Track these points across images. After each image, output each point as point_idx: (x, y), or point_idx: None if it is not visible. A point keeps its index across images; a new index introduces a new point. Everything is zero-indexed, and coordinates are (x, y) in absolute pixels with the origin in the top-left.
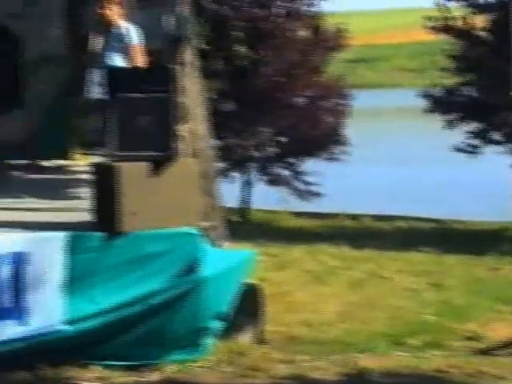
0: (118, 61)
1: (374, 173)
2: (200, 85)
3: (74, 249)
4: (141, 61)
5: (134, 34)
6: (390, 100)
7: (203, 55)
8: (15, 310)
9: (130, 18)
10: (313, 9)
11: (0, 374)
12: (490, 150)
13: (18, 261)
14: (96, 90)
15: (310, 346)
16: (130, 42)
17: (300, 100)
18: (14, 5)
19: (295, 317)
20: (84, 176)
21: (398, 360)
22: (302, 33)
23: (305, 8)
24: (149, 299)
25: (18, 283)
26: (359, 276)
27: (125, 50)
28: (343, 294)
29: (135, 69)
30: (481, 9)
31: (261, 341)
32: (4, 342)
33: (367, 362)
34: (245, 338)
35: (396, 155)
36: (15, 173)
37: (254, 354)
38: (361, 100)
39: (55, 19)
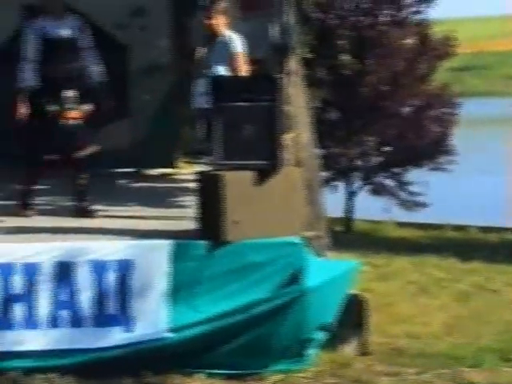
0: (222, 70)
1: (480, 183)
2: (304, 93)
3: (178, 257)
4: (245, 70)
5: (238, 43)
6: (499, 108)
7: (307, 64)
8: (121, 317)
9: (234, 27)
10: (419, 16)
11: (105, 379)
12: None
13: (124, 268)
14: (201, 99)
15: (416, 359)
16: (234, 51)
17: (406, 109)
18: (120, 15)
19: (400, 328)
20: (188, 184)
21: (507, 376)
22: (409, 41)
23: (411, 16)
24: (252, 309)
25: (124, 290)
26: (466, 288)
27: (229, 59)
28: (449, 306)
29: (239, 78)
30: None
31: (365, 352)
32: (110, 348)
33: (475, 376)
34: (348, 349)
35: (504, 165)
36: (121, 181)
37: (358, 366)
38: (468, 108)
39: (161, 29)
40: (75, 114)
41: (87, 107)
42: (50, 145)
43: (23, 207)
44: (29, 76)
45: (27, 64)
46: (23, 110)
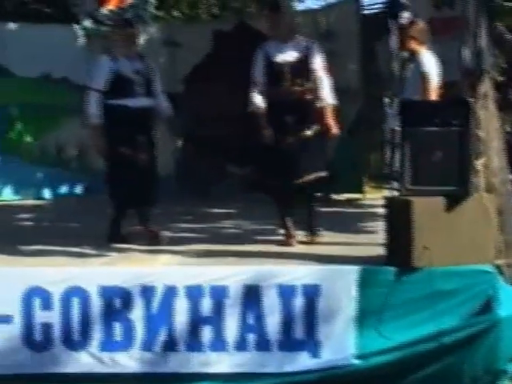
0: (413, 91)
1: None
2: (496, 117)
3: (365, 283)
4: (435, 92)
5: (431, 65)
6: None
7: (497, 87)
8: (308, 342)
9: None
10: None
11: None
12: None
13: (311, 293)
14: (389, 123)
15: None
16: (426, 72)
17: None
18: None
19: None
20: (376, 210)
21: None
22: None
23: None
24: (442, 337)
25: (311, 315)
26: None
27: (421, 83)
28: None
29: (430, 102)
30: None
31: None
32: (297, 373)
33: None
34: None
35: None
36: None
37: None
38: None
39: (350, 54)
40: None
41: (309, 132)
42: (276, 169)
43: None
44: (258, 100)
45: (255, 87)
46: (266, 131)
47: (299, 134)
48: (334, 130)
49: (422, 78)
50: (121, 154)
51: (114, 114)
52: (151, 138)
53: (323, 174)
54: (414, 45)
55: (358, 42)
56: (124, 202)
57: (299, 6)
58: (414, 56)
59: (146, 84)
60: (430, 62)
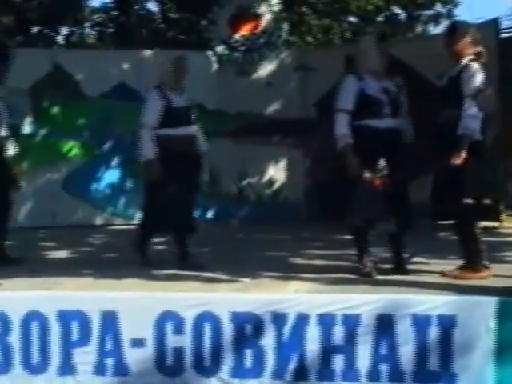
0: None
1: None
2: None
3: (504, 315)
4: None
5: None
6: None
7: None
8: (443, 375)
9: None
10: None
11: None
12: None
13: (446, 324)
14: None
15: None
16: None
17: None
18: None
19: None
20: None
21: None
22: None
23: None
24: None
25: (446, 347)
26: None
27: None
28: None
29: None
30: None
31: None
32: None
33: None
34: None
35: None
36: (442, 233)
37: None
38: None
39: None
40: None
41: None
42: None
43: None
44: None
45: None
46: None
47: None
48: (457, 161)
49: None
50: (363, 178)
51: (359, 135)
52: (395, 159)
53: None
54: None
55: (497, 65)
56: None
57: (436, 30)
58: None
59: (392, 104)
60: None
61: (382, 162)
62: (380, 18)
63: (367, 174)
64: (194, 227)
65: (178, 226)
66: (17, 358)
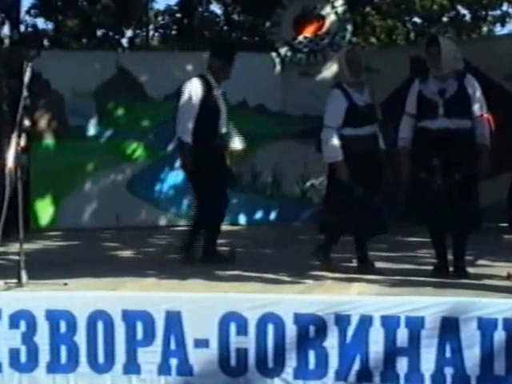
0: None
1: None
2: None
3: None
4: None
5: None
6: None
7: None
8: (509, 379)
9: None
10: None
11: None
12: None
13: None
14: None
15: None
16: None
17: None
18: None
19: None
20: None
21: None
22: None
23: None
24: None
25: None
26: None
27: None
28: None
29: None
30: None
31: None
32: None
33: None
34: None
35: None
36: (507, 236)
37: None
38: None
39: None
40: None
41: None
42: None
43: None
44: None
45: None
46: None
47: None
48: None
49: None
50: (419, 179)
51: (416, 137)
52: (450, 161)
53: None
54: None
55: None
56: (429, 223)
57: (503, 30)
58: None
59: (447, 104)
60: None
61: (434, 162)
62: (445, 19)
63: (422, 175)
64: (386, 228)
65: (367, 229)
66: (83, 356)
